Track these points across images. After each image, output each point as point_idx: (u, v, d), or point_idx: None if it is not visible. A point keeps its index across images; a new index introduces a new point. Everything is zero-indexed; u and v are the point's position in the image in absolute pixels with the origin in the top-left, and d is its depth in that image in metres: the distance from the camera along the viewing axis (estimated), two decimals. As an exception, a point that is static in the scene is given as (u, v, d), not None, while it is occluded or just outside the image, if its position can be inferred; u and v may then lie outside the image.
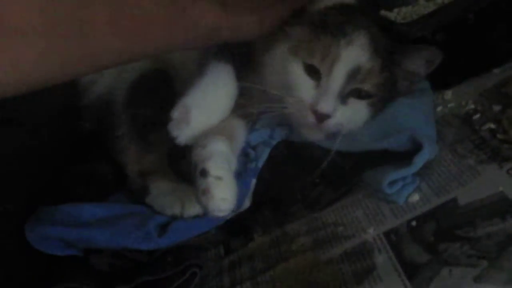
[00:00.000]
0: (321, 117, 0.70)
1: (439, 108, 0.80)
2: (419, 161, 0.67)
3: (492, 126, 0.71)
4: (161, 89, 0.92)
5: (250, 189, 0.79)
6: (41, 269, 0.75)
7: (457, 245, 0.58)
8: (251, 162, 0.81)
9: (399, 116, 0.73)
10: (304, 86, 0.73)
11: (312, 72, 0.72)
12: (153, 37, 0.60)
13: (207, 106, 0.72)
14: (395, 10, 0.93)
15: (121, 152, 0.90)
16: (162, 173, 0.86)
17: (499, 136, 0.69)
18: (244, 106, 0.78)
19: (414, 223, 0.64)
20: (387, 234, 0.65)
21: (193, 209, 0.76)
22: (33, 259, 0.75)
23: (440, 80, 0.82)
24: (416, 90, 0.80)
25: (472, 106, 0.76)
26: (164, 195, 0.81)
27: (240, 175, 0.78)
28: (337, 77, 0.71)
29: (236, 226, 0.78)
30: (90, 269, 0.75)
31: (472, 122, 0.74)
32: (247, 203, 0.79)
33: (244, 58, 0.79)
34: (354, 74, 0.71)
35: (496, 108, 0.73)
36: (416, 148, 0.69)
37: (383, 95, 0.74)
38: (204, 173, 0.63)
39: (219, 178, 0.63)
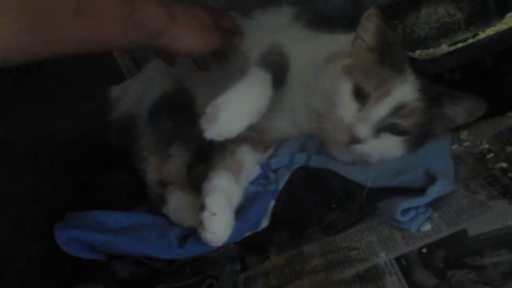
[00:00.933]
0: (354, 140, 0.75)
1: (455, 146, 0.84)
2: (432, 192, 0.70)
3: (504, 165, 0.75)
4: (182, 107, 1.00)
5: (269, 210, 0.83)
6: (66, 270, 0.79)
7: (464, 272, 0.61)
8: (271, 184, 0.85)
9: (415, 154, 0.78)
10: (348, 106, 0.77)
11: (360, 95, 0.77)
12: (110, 30, 0.66)
13: (237, 109, 0.75)
14: (417, 51, 0.98)
15: (142, 161, 0.96)
16: (180, 185, 0.91)
17: (510, 174, 0.72)
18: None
19: (424, 250, 0.67)
20: (398, 259, 0.68)
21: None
22: (59, 261, 0.79)
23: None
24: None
25: (487, 146, 0.80)
26: (182, 208, 0.86)
27: (259, 196, 0.82)
28: (383, 109, 0.76)
29: (254, 244, 0.81)
30: (111, 274, 0.78)
31: (485, 161, 0.78)
32: (265, 223, 0.83)
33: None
34: (398, 110, 0.76)
35: (509, 149, 0.77)
36: (430, 182, 0.73)
37: (418, 134, 0.78)
38: (202, 207, 0.72)
39: (213, 214, 0.71)
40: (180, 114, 1.00)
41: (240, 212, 0.82)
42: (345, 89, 0.78)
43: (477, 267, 0.61)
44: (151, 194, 0.93)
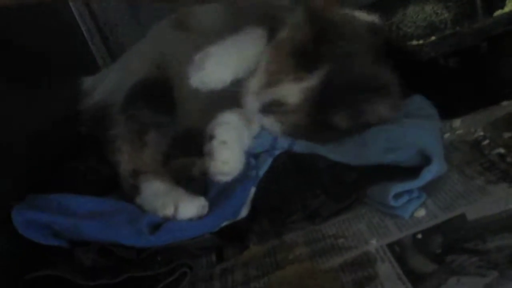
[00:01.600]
0: None
1: (447, 135, 0.80)
2: (427, 174, 0.65)
3: (502, 151, 0.70)
4: (159, 94, 0.93)
5: (249, 198, 0.77)
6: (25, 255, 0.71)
7: (465, 257, 0.56)
8: (251, 170, 0.78)
9: (408, 133, 0.72)
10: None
11: None
12: None
13: (226, 59, 0.72)
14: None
15: (115, 151, 0.89)
16: (155, 174, 0.84)
17: (508, 159, 0.68)
18: None
19: (419, 236, 0.62)
20: (390, 245, 0.62)
21: (186, 212, 0.73)
22: (18, 244, 0.71)
23: (447, 108, 0.82)
24: (422, 115, 0.79)
25: (481, 133, 0.76)
26: (156, 196, 0.78)
27: (239, 182, 0.76)
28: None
29: (232, 233, 0.74)
30: (75, 261, 0.70)
31: (481, 148, 0.74)
32: (244, 212, 0.77)
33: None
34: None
35: (506, 135, 0.73)
36: (422, 163, 0.68)
37: None
38: (211, 138, 0.69)
39: (223, 142, 0.69)
40: (157, 100, 0.93)
41: (217, 199, 0.77)
42: None
43: (480, 251, 0.56)
44: (124, 184, 0.86)
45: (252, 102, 0.72)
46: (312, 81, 0.72)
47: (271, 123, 0.74)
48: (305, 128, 0.73)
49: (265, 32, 0.76)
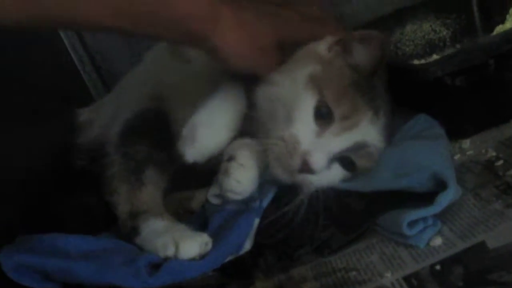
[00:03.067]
0: (305, 169, 0.66)
1: (457, 156, 0.77)
2: (444, 200, 0.61)
3: (518, 172, 0.66)
4: (156, 128, 0.89)
5: (252, 230, 0.72)
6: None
7: (490, 290, 0.51)
8: (254, 201, 0.74)
9: (419, 156, 0.68)
10: (308, 127, 0.68)
11: (321, 115, 0.68)
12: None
13: (214, 124, 0.70)
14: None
15: (112, 192, 0.85)
16: (155, 213, 0.80)
17: (526, 181, 0.64)
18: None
19: (438, 267, 0.58)
20: (407, 278, 0.58)
21: (188, 251, 0.69)
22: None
23: (455, 129, 0.78)
24: (430, 136, 0.75)
25: (494, 153, 0.73)
26: (156, 235, 0.74)
27: (242, 214, 0.72)
28: (345, 142, 0.68)
29: (236, 269, 0.70)
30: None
31: (494, 169, 0.70)
32: (248, 245, 0.72)
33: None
34: (358, 147, 0.69)
35: (521, 155, 0.69)
36: (436, 189, 0.64)
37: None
38: (230, 158, 0.70)
39: (241, 165, 0.69)
40: (154, 135, 0.89)
41: (219, 234, 0.72)
42: (308, 104, 0.69)
43: (506, 283, 0.51)
44: (123, 227, 0.81)
45: (319, 159, 0.67)
46: (382, 118, 0.71)
47: (331, 173, 0.70)
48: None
49: (240, 84, 0.74)
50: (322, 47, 0.75)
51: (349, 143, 0.68)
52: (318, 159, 0.66)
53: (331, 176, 0.70)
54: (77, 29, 0.74)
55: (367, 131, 0.70)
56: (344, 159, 0.70)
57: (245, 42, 0.66)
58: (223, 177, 0.69)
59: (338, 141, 0.68)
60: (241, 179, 0.69)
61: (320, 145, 0.67)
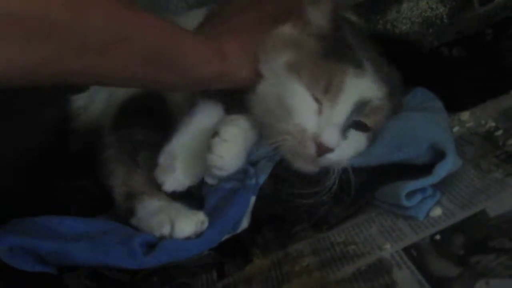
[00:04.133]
0: (323, 150, 0.64)
1: (456, 128, 0.75)
2: (442, 170, 0.60)
3: (518, 141, 0.65)
4: (151, 110, 0.87)
5: (249, 208, 0.71)
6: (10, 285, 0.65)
7: (491, 257, 0.50)
8: (250, 179, 0.73)
9: (417, 128, 0.67)
10: (307, 112, 0.66)
11: (315, 99, 0.67)
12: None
13: (193, 152, 0.69)
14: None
15: (108, 175, 0.83)
16: (150, 194, 0.78)
17: (526, 149, 0.63)
18: None
19: (438, 237, 0.57)
20: (406, 249, 0.57)
21: (184, 229, 0.67)
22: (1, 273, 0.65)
23: (454, 101, 0.77)
24: (429, 108, 0.74)
25: (493, 124, 0.71)
26: (151, 215, 0.72)
27: (238, 192, 0.71)
28: (343, 109, 0.66)
29: (233, 248, 0.69)
30: (64, 289, 0.64)
31: (494, 139, 0.69)
32: (245, 223, 0.71)
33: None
34: (361, 107, 0.66)
35: (520, 124, 0.67)
36: (435, 160, 0.63)
37: (382, 126, 0.70)
38: (214, 134, 0.67)
39: (224, 140, 0.66)
40: (149, 117, 0.88)
41: (215, 213, 0.71)
42: (299, 92, 0.67)
43: (507, 249, 0.50)
44: (119, 209, 0.80)
45: (330, 135, 0.65)
46: (369, 68, 0.69)
47: (350, 141, 0.68)
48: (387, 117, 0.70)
49: (218, 103, 0.73)
50: (287, 28, 0.73)
51: (348, 107, 0.66)
52: (330, 136, 0.64)
53: (352, 145, 0.68)
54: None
55: (359, 87, 0.67)
56: (355, 125, 0.68)
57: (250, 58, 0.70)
58: (207, 154, 0.67)
59: (337, 110, 0.66)
60: (224, 154, 0.67)
61: (325, 122, 0.66)
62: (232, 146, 0.67)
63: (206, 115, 0.73)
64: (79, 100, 1.00)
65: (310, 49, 0.70)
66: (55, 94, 1.00)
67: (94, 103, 0.98)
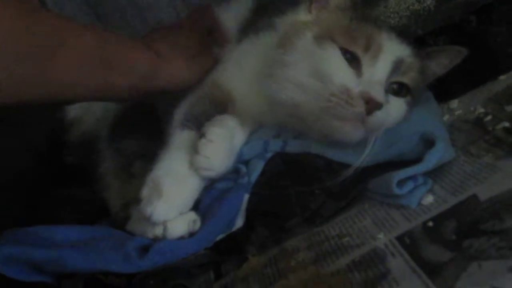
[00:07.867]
0: (373, 106, 0.63)
1: (446, 117, 0.75)
2: (432, 157, 0.60)
3: (507, 124, 0.65)
4: (144, 120, 0.89)
5: (243, 206, 0.71)
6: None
7: (483, 240, 0.50)
8: (242, 178, 0.73)
9: (407, 122, 0.67)
10: (347, 72, 0.66)
11: (349, 60, 0.67)
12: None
13: (177, 173, 0.68)
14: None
15: (105, 188, 0.85)
16: None
17: (515, 133, 0.63)
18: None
19: (430, 223, 0.56)
20: (399, 238, 0.57)
21: (176, 229, 0.68)
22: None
23: (443, 90, 0.77)
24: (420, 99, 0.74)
25: (482, 110, 0.71)
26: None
27: (231, 191, 0.71)
28: (384, 66, 0.67)
29: (228, 247, 0.68)
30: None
31: (484, 124, 0.69)
32: (239, 222, 0.71)
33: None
34: (397, 66, 0.68)
35: (509, 108, 0.68)
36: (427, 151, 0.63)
37: (417, 92, 0.70)
38: (201, 135, 0.67)
39: (210, 140, 0.67)
40: (142, 127, 0.89)
41: (210, 212, 0.71)
42: (334, 55, 0.68)
43: (498, 232, 0.50)
44: (115, 219, 0.82)
45: (377, 89, 0.64)
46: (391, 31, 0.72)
47: (391, 106, 0.68)
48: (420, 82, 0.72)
49: (193, 130, 0.73)
50: (302, 14, 0.75)
51: (388, 65, 0.67)
52: (377, 90, 0.64)
53: (394, 109, 0.68)
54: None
55: (393, 47, 0.69)
56: (395, 87, 0.69)
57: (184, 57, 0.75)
58: (194, 156, 0.67)
59: (378, 69, 0.67)
60: (210, 155, 0.67)
61: (368, 80, 0.66)
62: (218, 147, 0.68)
63: (182, 141, 0.73)
64: (74, 110, 1.00)
65: (338, 19, 0.72)
66: (47, 106, 1.01)
67: (89, 114, 0.98)
